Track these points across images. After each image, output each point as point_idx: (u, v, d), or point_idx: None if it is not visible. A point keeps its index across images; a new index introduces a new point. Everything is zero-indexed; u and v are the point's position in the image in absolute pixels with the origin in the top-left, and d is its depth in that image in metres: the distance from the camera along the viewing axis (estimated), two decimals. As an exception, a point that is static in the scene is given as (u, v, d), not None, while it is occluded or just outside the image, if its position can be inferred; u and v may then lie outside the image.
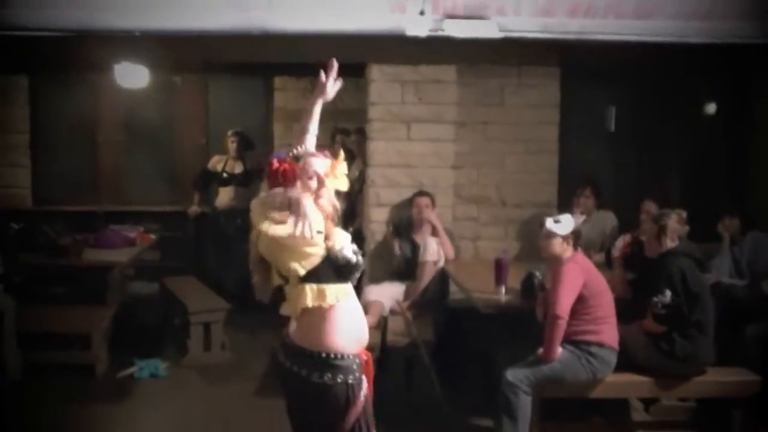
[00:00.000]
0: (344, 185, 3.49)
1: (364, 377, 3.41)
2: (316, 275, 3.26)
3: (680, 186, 8.42)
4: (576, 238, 5.16)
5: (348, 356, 3.33)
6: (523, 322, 5.49)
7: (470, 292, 5.89)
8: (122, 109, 9.88)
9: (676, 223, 5.29)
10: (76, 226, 8.49)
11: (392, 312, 6.56)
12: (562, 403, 5.36)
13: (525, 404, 4.94)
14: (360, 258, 3.42)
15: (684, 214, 5.34)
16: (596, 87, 8.03)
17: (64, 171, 9.87)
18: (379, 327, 6.29)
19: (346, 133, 8.41)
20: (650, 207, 6.75)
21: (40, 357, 6.67)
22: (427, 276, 6.66)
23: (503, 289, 5.70)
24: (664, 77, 7.95)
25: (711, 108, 8.53)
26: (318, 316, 3.30)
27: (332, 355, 3.29)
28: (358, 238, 7.62)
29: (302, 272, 3.25)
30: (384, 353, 6.21)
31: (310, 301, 3.27)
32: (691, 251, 5.28)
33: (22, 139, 9.58)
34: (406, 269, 6.90)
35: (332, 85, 3.50)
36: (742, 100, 8.11)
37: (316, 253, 3.25)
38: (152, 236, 8.47)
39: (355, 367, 3.35)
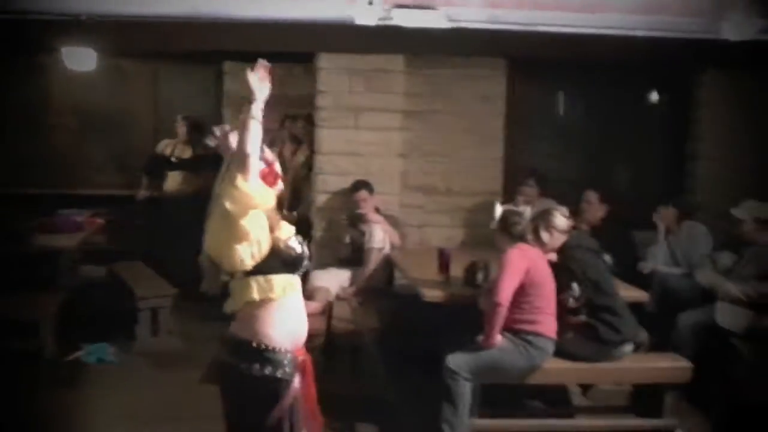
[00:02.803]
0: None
1: (297, 377, 3.40)
2: (262, 268, 3.31)
3: (624, 175, 8.61)
4: (505, 227, 5.29)
5: (279, 350, 3.34)
6: (467, 310, 5.61)
7: (414, 279, 6.00)
8: (72, 93, 9.79)
9: (557, 218, 5.47)
10: (25, 209, 8.44)
11: (338, 298, 6.64)
12: (502, 390, 5.52)
13: (465, 390, 5.06)
14: (306, 249, 3.48)
15: (566, 211, 5.53)
16: (543, 78, 8.13)
17: (12, 154, 9.75)
18: (325, 313, 6.36)
19: (294, 119, 8.45)
20: (591, 197, 6.94)
21: (-12, 343, 6.68)
22: (372, 263, 6.75)
23: (446, 278, 5.81)
24: (611, 68, 8.06)
25: (655, 98, 8.68)
26: (260, 308, 3.34)
27: (263, 346, 3.32)
28: (304, 224, 7.69)
29: (250, 265, 3.28)
30: (329, 339, 6.29)
31: (256, 294, 3.31)
32: (583, 241, 5.54)
33: (-31, 122, 9.49)
34: (353, 256, 6.98)
35: (258, 82, 3.35)
36: (685, 92, 8.27)
37: (264, 239, 3.30)
38: (100, 220, 8.43)
39: (286, 362, 3.36)
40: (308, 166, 7.88)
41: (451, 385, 5.05)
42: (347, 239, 7.02)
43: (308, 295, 6.62)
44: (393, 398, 5.69)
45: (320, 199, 7.45)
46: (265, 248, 3.32)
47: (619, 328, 5.26)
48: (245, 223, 3.24)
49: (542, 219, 5.46)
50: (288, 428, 3.39)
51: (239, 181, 3.20)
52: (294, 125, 8.41)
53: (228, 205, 3.21)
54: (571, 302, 5.23)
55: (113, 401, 6.10)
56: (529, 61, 7.76)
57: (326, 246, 7.38)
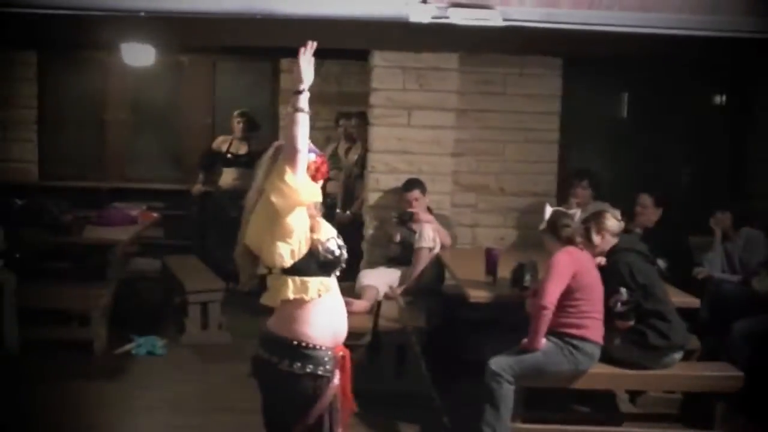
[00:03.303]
0: None
1: (336, 372, 3.39)
2: (299, 268, 3.28)
3: (682, 178, 8.44)
4: (554, 228, 5.21)
5: (320, 347, 3.32)
6: (514, 312, 5.55)
7: (461, 280, 5.94)
8: (130, 88, 9.98)
9: (609, 221, 5.35)
10: (82, 202, 8.58)
11: (386, 297, 6.60)
12: (548, 394, 5.44)
13: (507, 393, 5.00)
14: (344, 252, 3.44)
15: (618, 213, 5.44)
16: (599, 78, 8.01)
17: (71, 147, 9.97)
18: (372, 311, 6.32)
19: (348, 116, 8.45)
20: (646, 200, 6.79)
21: (39, 333, 6.79)
22: (422, 262, 6.69)
23: (493, 279, 5.75)
24: (670, 68, 7.92)
25: (717, 100, 8.50)
26: (297, 307, 3.32)
27: (303, 344, 3.30)
28: (357, 222, 7.68)
29: (288, 263, 3.25)
30: (375, 338, 6.24)
31: (291, 294, 3.28)
32: (633, 245, 5.41)
33: (30, 115, 9.69)
34: (403, 255, 6.93)
35: (307, 64, 3.27)
36: (747, 93, 8.08)
37: (305, 239, 3.27)
38: (155, 214, 8.54)
39: (326, 359, 3.34)
40: (362, 164, 7.86)
41: (494, 387, 4.99)
42: (397, 238, 6.98)
43: (357, 293, 6.64)
44: (437, 399, 5.63)
45: (372, 197, 7.40)
46: (305, 248, 3.29)
47: (668, 335, 5.16)
48: (290, 220, 3.21)
49: (594, 221, 5.38)
50: (328, 424, 3.38)
51: (288, 176, 3.16)
52: (348, 123, 8.42)
53: (274, 199, 3.17)
54: (619, 306, 5.13)
55: (161, 392, 6.20)
56: (585, 60, 7.64)
57: (377, 245, 7.34)
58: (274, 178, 3.21)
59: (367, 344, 6.03)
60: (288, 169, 3.17)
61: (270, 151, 3.41)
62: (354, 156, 8.23)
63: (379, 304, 6.45)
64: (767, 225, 6.82)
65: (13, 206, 7.37)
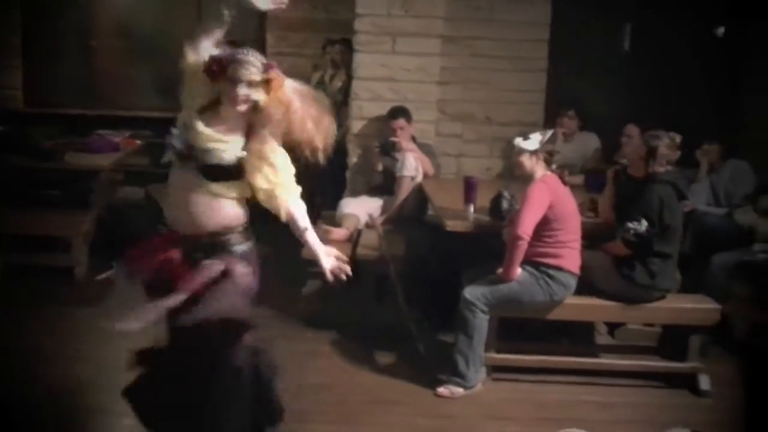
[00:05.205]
0: None
1: None
2: None
3: (673, 110, 8.27)
4: (546, 155, 5.08)
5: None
6: (492, 242, 5.48)
7: (440, 209, 5.86)
8: (116, 14, 9.78)
9: (666, 147, 5.19)
10: (69, 130, 8.49)
11: (367, 226, 6.54)
12: (527, 325, 5.41)
13: (481, 323, 4.97)
14: None
15: (678, 139, 5.24)
16: (590, 5, 7.81)
17: (57, 74, 9.78)
18: (352, 241, 6.26)
19: (333, 43, 8.29)
20: (632, 131, 6.66)
21: (21, 258, 6.77)
22: (404, 191, 6.61)
23: (471, 208, 5.67)
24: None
25: (716, 32, 8.29)
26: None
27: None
28: (341, 150, 7.57)
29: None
30: (354, 267, 6.16)
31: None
32: (675, 180, 5.19)
33: (14, 41, 9.49)
34: (385, 184, 6.85)
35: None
36: (745, 25, 7.88)
37: None
38: (138, 141, 8.45)
39: None
40: (345, 91, 7.72)
41: (468, 316, 4.96)
42: (379, 167, 6.88)
43: (337, 221, 6.57)
44: (413, 328, 5.61)
45: (356, 125, 7.27)
46: None
47: (656, 276, 5.09)
48: None
49: (651, 143, 5.23)
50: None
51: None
52: (333, 49, 8.25)
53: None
54: (631, 234, 5.01)
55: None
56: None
57: (360, 173, 7.25)
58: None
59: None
60: None
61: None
62: (338, 83, 8.08)
63: (359, 232, 6.40)
64: (758, 156, 6.72)
65: (-6, 133, 7.29)
